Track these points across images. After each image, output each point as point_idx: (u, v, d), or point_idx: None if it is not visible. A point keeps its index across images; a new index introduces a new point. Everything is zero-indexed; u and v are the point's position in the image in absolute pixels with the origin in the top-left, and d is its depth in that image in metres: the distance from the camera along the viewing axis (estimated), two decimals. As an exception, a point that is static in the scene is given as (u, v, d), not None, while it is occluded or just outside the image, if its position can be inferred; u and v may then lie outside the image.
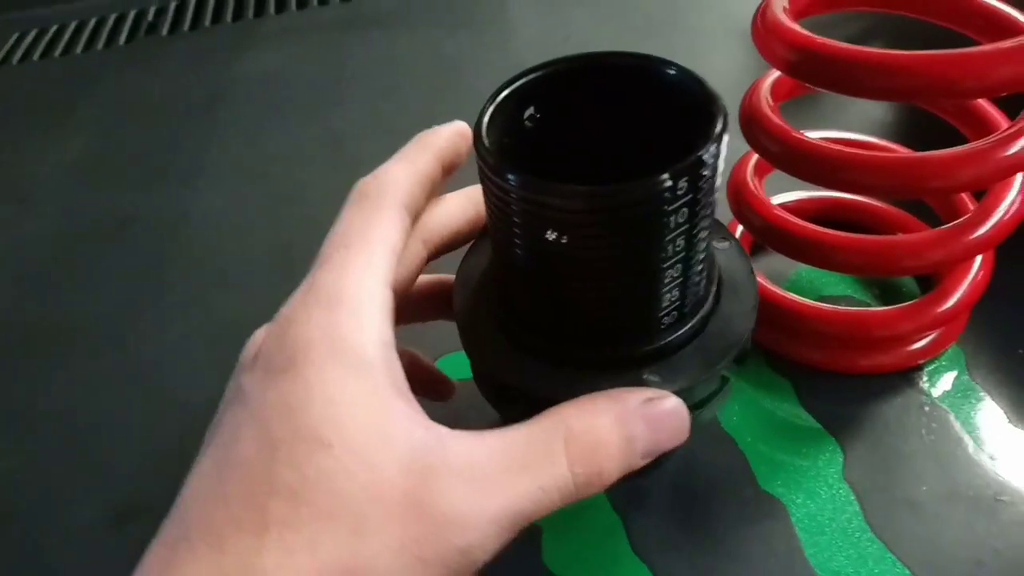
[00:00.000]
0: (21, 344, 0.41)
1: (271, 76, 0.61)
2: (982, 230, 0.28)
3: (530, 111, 0.25)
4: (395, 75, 0.58)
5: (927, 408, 0.31)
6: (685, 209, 0.21)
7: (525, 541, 0.28)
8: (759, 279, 0.33)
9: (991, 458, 0.29)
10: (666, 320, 0.24)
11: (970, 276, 0.31)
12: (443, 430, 0.20)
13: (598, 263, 0.22)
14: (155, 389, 0.37)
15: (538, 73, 0.24)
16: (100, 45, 0.72)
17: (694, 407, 0.25)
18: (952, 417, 0.30)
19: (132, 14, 0.76)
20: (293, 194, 0.48)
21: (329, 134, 0.52)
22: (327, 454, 0.18)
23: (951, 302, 0.30)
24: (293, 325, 0.20)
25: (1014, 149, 0.26)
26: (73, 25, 0.76)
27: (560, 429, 0.20)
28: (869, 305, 0.35)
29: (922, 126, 0.34)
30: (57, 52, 0.72)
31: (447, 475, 0.19)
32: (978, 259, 0.31)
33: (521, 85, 0.24)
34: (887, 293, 0.35)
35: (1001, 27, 0.27)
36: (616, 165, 0.21)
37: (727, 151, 0.21)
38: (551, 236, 0.21)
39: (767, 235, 0.31)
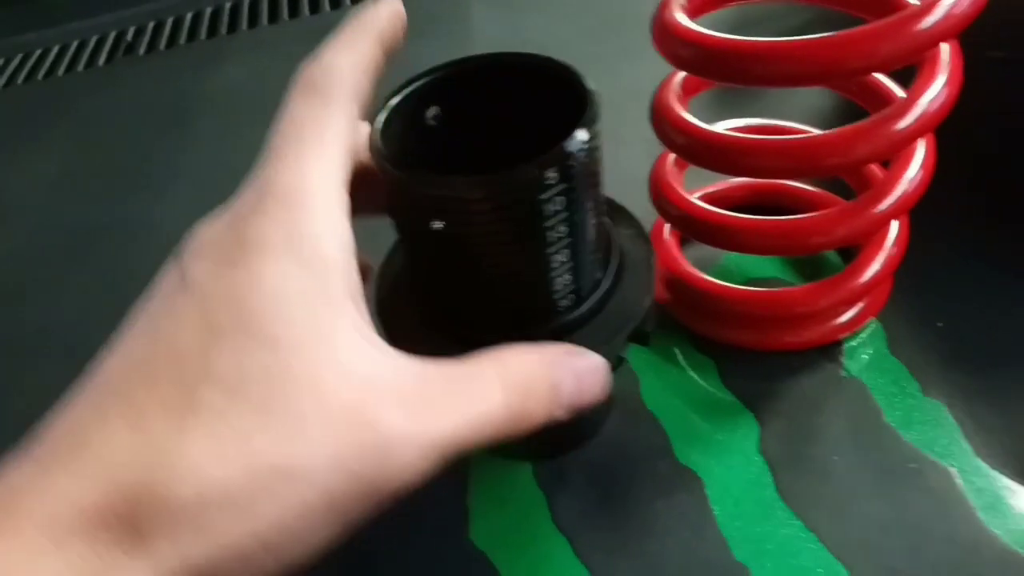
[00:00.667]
0: (-5, 353, 0.43)
1: (241, 88, 0.63)
2: (883, 204, 0.29)
3: (434, 110, 0.26)
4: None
5: (844, 382, 0.32)
6: (561, 197, 0.22)
7: (452, 519, 0.29)
8: (686, 265, 0.34)
9: (903, 427, 0.30)
10: (563, 303, 0.25)
11: (883, 251, 0.32)
12: (389, 349, 0.20)
13: (484, 251, 0.23)
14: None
15: (439, 74, 0.26)
16: (80, 67, 0.74)
17: None
18: (868, 390, 0.32)
19: (112, 36, 0.78)
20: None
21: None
22: (271, 350, 0.17)
23: (864, 276, 0.31)
24: (250, 219, 0.19)
25: (901, 124, 0.27)
26: (56, 49, 0.78)
27: (497, 366, 0.21)
28: (795, 285, 0.36)
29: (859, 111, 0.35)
30: (40, 75, 0.74)
31: (390, 394, 0.19)
32: (892, 233, 0.32)
33: (421, 85, 0.26)
34: (815, 273, 0.36)
35: (889, 5, 0.28)
36: (515, 159, 0.22)
37: (601, 139, 0.23)
38: (436, 226, 0.22)
39: (682, 224, 0.33)
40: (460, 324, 0.26)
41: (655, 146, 0.32)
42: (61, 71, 0.74)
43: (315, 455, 0.17)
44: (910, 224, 0.32)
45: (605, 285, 0.26)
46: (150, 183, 0.54)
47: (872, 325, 0.34)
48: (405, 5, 0.25)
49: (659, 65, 0.30)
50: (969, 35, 0.50)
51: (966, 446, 0.29)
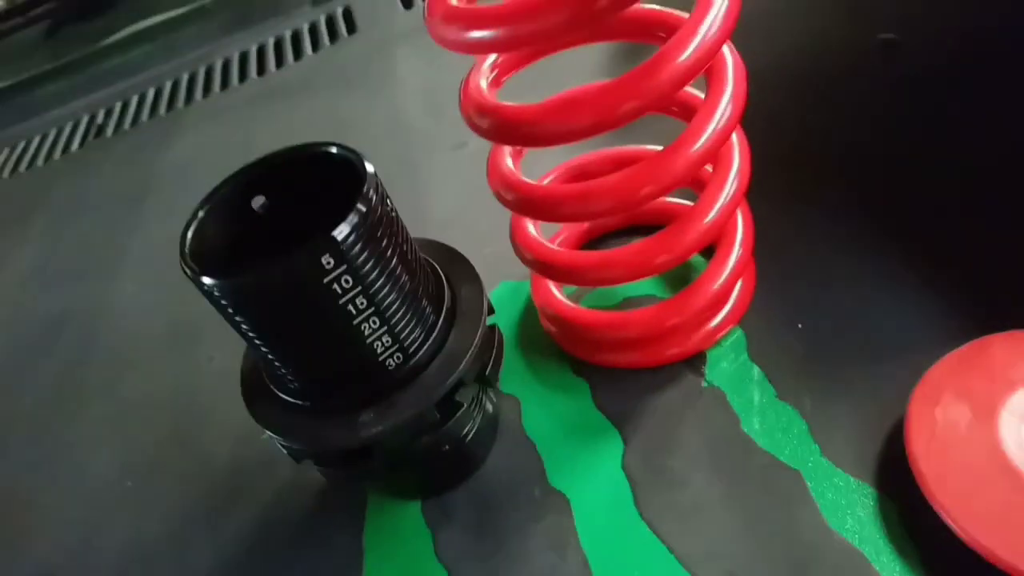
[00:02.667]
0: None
1: (190, 162, 0.67)
2: (687, 237, 0.30)
3: (260, 200, 0.29)
4: (295, 139, 0.63)
5: (704, 392, 0.33)
6: (347, 277, 0.24)
7: (348, 560, 0.32)
8: (559, 296, 0.36)
9: (757, 434, 0.31)
10: (391, 362, 0.27)
11: (725, 271, 0.33)
12: None
13: (290, 330, 0.25)
14: (74, 465, 0.43)
15: (259, 168, 0.28)
16: (57, 154, 0.80)
17: (464, 437, 0.29)
18: (727, 398, 0.33)
19: (84, 120, 0.84)
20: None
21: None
22: None
23: (712, 286, 0.33)
24: None
25: (674, 166, 0.28)
26: (36, 139, 0.84)
27: None
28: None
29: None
30: (23, 167, 0.80)
31: None
32: (733, 255, 0.33)
33: (243, 178, 0.28)
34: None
35: (671, 28, 0.29)
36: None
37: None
38: (239, 317, 0.25)
39: (538, 268, 0.34)
40: (305, 393, 0.28)
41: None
42: (40, 161, 0.80)
43: None
44: (779, 224, 0.34)
45: (432, 340, 0.28)
46: (107, 265, 0.58)
47: (735, 333, 0.35)
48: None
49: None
50: (857, 19, 0.51)
51: (815, 447, 0.30)
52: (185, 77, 0.82)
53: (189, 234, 0.26)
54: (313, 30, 0.79)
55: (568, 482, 0.32)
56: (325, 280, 0.24)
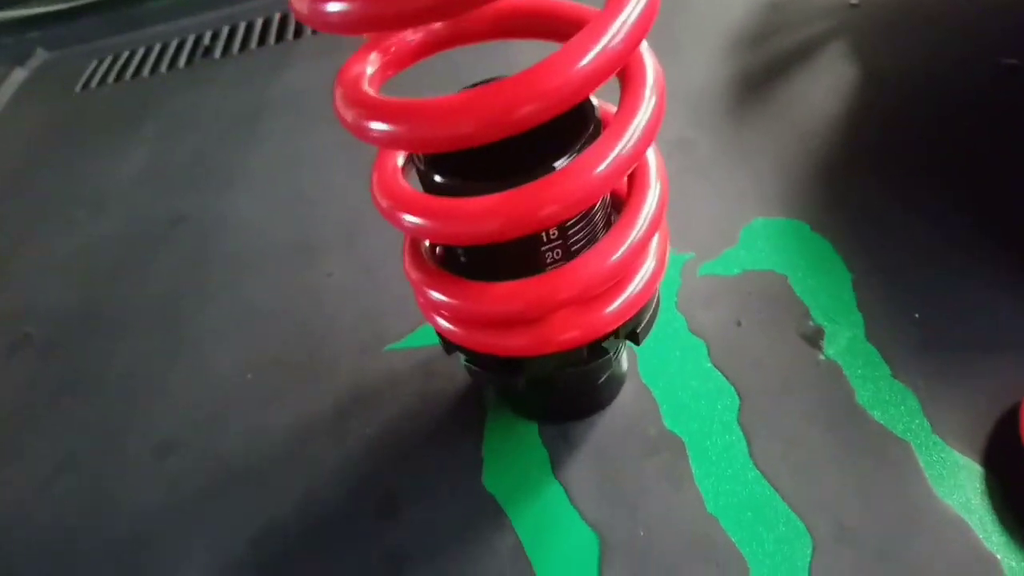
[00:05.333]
0: (95, 323, 0.50)
1: (305, 91, 0.69)
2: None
3: None
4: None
5: (821, 364, 0.35)
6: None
7: (469, 467, 0.35)
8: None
9: (871, 404, 0.34)
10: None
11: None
12: None
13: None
14: (198, 355, 0.45)
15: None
16: (164, 68, 0.82)
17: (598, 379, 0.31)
18: (843, 371, 0.35)
19: (191, 40, 0.86)
20: (314, 194, 0.55)
21: (348, 141, 0.59)
22: None
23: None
24: None
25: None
26: (141, 52, 0.87)
27: None
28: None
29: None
30: (128, 75, 0.83)
31: None
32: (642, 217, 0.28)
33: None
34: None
35: (572, 24, 0.27)
36: None
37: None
38: None
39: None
40: None
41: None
42: (146, 72, 0.82)
43: None
44: (899, 214, 0.35)
45: None
46: (221, 177, 0.61)
47: (854, 316, 0.37)
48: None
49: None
50: (982, 40, 0.52)
51: (926, 424, 0.32)
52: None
53: None
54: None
55: (684, 427, 0.35)
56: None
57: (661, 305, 0.39)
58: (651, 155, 0.30)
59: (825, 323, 0.37)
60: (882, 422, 0.33)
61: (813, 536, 0.30)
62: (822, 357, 0.36)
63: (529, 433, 0.36)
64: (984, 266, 0.37)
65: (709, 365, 0.37)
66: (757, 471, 0.32)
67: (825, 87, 0.50)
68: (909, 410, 0.33)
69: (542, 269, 0.28)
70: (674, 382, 0.36)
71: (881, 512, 0.30)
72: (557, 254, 0.27)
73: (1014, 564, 0.28)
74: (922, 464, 0.31)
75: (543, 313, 0.28)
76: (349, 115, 0.26)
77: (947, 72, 0.49)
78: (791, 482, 0.32)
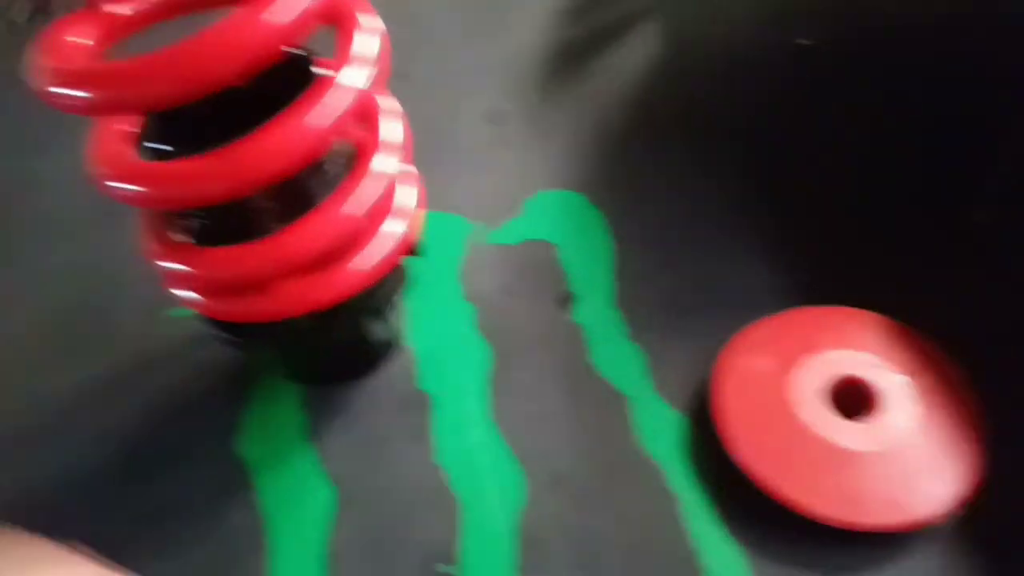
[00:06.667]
0: None
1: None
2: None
3: None
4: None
5: (568, 326, 0.38)
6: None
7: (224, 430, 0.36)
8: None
9: (601, 362, 0.36)
10: None
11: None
12: None
13: None
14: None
15: None
16: None
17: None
18: (584, 332, 0.38)
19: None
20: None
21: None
22: None
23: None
24: None
25: None
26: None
27: None
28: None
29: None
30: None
31: None
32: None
33: None
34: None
35: None
36: None
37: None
38: None
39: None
40: None
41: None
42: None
43: None
44: (657, 191, 0.38)
45: None
46: (21, 140, 0.59)
47: (602, 280, 0.40)
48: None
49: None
50: (778, 22, 0.55)
51: (648, 381, 0.35)
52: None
53: None
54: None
55: (437, 386, 0.37)
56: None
57: (444, 273, 0.41)
58: (395, 121, 0.31)
59: (579, 289, 0.39)
60: (608, 379, 0.36)
61: (529, 483, 0.33)
62: (570, 320, 0.38)
63: (292, 398, 0.37)
64: (723, 237, 0.40)
65: (473, 329, 0.39)
66: (492, 425, 0.35)
67: (633, 64, 0.52)
68: (636, 369, 0.36)
69: (266, 232, 0.28)
70: (439, 345, 0.38)
71: (591, 460, 0.33)
72: (278, 215, 0.28)
73: (691, 500, 0.31)
74: (635, 417, 0.34)
75: (262, 279, 0.29)
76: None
77: (749, 52, 0.52)
78: (518, 435, 0.34)
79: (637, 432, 0.34)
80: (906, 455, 0.31)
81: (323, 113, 0.26)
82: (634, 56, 0.53)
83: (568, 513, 0.32)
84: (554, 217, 0.43)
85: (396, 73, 0.57)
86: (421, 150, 0.51)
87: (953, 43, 0.36)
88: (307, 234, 0.28)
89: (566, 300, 0.39)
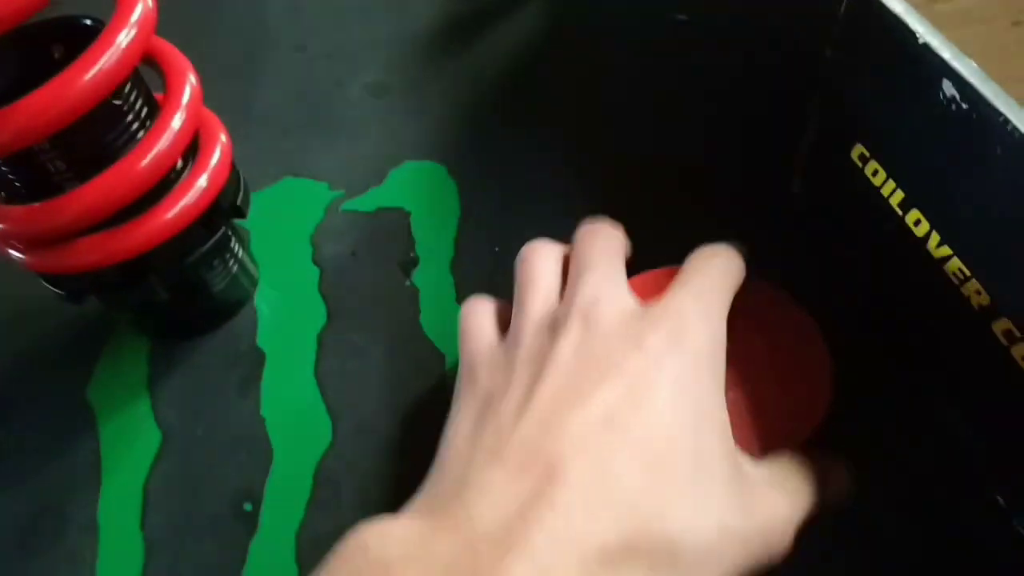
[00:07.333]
0: None
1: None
2: None
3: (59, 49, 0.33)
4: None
5: (406, 290, 0.40)
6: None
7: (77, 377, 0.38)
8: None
9: (428, 325, 0.38)
10: None
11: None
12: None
13: None
14: None
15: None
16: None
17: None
18: (419, 296, 0.40)
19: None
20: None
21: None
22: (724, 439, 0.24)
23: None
24: None
25: None
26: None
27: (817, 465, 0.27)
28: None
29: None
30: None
31: (764, 484, 0.24)
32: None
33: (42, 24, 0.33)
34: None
35: None
36: None
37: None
38: None
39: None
40: None
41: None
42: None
43: (754, 529, 0.23)
44: (505, 162, 0.39)
45: None
46: None
47: (448, 249, 0.42)
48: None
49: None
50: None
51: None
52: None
53: None
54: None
55: (271, 343, 0.39)
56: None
57: (296, 237, 0.43)
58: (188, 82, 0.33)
59: (422, 254, 0.41)
60: (432, 339, 0.38)
61: (336, 432, 0.35)
62: (408, 284, 0.40)
63: (141, 351, 0.40)
64: (556, 207, 0.42)
65: (314, 290, 0.41)
66: (314, 380, 0.37)
67: (514, 42, 0.54)
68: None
69: (55, 187, 0.30)
70: (281, 304, 0.41)
71: (398, 412, 0.35)
72: (60, 167, 0.30)
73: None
74: (449, 374, 0.36)
75: (63, 233, 0.31)
76: None
77: (628, 26, 0.53)
78: (336, 390, 0.37)
79: (447, 388, 0.36)
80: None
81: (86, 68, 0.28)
82: (517, 33, 0.54)
83: (364, 459, 0.34)
84: (414, 186, 0.45)
85: (293, 45, 0.60)
86: (300, 120, 0.53)
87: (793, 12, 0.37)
88: (97, 189, 0.30)
89: (411, 264, 0.41)
